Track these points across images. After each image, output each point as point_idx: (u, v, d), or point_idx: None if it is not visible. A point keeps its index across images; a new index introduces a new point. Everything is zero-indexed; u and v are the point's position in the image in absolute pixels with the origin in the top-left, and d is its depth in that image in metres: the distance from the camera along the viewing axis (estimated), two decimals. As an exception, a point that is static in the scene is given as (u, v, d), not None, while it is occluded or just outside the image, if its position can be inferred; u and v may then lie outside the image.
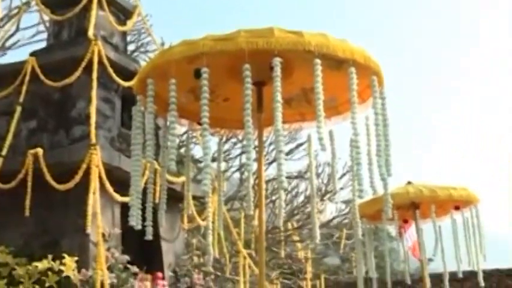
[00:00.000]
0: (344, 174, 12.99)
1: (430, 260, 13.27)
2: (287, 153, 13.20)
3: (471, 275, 9.79)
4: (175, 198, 6.24)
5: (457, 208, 7.57)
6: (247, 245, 10.78)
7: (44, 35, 10.50)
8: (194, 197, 7.50)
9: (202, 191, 3.57)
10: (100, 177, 6.39)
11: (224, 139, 11.90)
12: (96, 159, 6.37)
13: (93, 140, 6.60)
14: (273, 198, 12.29)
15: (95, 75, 7.05)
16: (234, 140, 13.19)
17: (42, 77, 7.35)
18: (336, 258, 18.05)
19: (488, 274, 10.65)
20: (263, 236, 3.81)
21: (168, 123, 3.39)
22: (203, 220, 7.71)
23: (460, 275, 8.22)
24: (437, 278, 10.15)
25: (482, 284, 7.88)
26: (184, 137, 10.23)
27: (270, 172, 12.60)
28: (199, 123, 3.33)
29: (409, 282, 8.28)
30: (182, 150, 10.07)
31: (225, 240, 9.66)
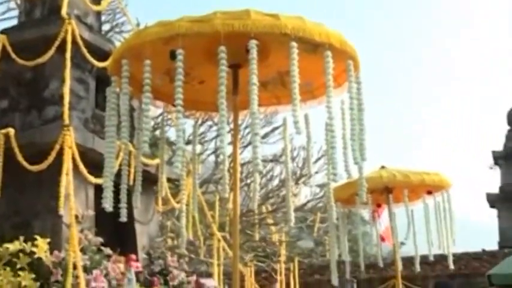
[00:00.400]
0: (319, 159, 13.07)
1: (402, 243, 13.48)
2: (262, 137, 13.21)
3: (441, 258, 9.99)
4: (149, 180, 6.21)
5: (429, 193, 7.67)
6: (221, 228, 10.80)
7: (15, 12, 10.28)
8: (169, 180, 7.47)
9: (176, 173, 3.55)
10: (73, 159, 6.32)
11: (199, 122, 11.85)
12: (70, 140, 6.29)
13: (66, 121, 6.51)
14: (248, 181, 12.31)
15: (68, 55, 6.93)
16: (209, 123, 13.14)
17: (13, 55, 7.21)
18: (309, 242, 18.21)
19: (458, 257, 10.87)
20: (237, 218, 3.81)
21: (142, 104, 3.36)
22: (178, 203, 7.69)
23: (431, 258, 8.37)
24: (408, 261, 10.32)
25: (452, 266, 8.04)
26: (160, 119, 10.16)
27: (245, 155, 12.62)
28: (174, 105, 3.31)
29: (381, 265, 8.41)
30: (157, 132, 10.00)
31: (200, 223, 9.66)
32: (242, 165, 12.71)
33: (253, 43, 3.20)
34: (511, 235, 12.50)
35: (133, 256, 6.21)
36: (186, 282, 6.24)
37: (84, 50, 7.24)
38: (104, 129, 3.86)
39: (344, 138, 3.44)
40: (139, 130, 3.58)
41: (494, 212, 13.25)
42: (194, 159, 4.54)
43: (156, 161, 6.58)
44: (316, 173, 13.16)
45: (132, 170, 4.09)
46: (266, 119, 13.12)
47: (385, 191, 7.54)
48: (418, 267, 8.36)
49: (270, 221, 12.77)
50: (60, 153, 6.26)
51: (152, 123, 11.89)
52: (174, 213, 10.22)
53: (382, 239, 8.55)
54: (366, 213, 9.94)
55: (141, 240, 7.42)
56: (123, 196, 3.60)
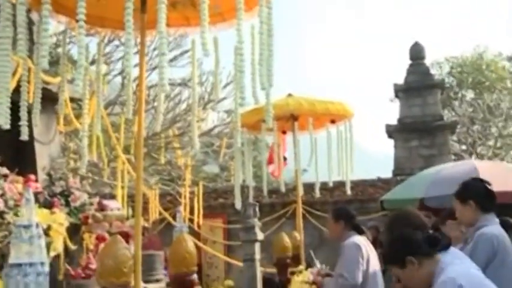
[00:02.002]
0: (227, 84, 13.07)
1: (305, 170, 13.92)
2: (171, 60, 12.97)
3: (340, 185, 10.44)
4: (51, 99, 5.95)
5: (332, 122, 7.92)
6: (126, 151, 10.67)
7: None
8: (72, 99, 7.21)
9: (79, 92, 3.41)
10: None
11: (106, 41, 11.40)
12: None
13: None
14: (155, 104, 12.14)
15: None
16: (116, 42, 12.69)
17: None
18: (215, 166, 18.45)
19: (355, 184, 11.40)
20: (141, 141, 3.76)
21: (41, 17, 3.15)
22: (81, 123, 7.47)
23: (331, 185, 8.75)
24: (309, 187, 10.73)
25: (349, 192, 8.47)
26: (62, 36, 9.65)
27: (152, 78, 12.37)
28: (77, 21, 3.13)
29: (283, 190, 8.69)
30: (60, 49, 9.53)
31: (104, 145, 9.48)
32: (149, 87, 12.48)
33: (162, -42, 3.06)
34: (404, 164, 13.23)
35: (32, 176, 6.01)
36: (88, 203, 6.16)
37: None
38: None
39: (253, 64, 3.43)
40: (38, 44, 3.38)
41: (391, 142, 13.92)
42: (98, 79, 4.38)
43: (58, 79, 6.30)
44: (224, 98, 13.20)
45: (32, 88, 3.89)
46: (175, 42, 12.86)
47: (290, 119, 7.69)
48: (318, 193, 8.74)
49: (176, 144, 12.75)
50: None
51: (55, 39, 11.33)
52: (78, 134, 9.94)
53: (270, 162, 8.76)
54: (271, 139, 10.13)
55: (42, 161, 7.19)
56: (23, 114, 3.43)
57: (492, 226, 3.66)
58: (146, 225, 8.33)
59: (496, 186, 8.66)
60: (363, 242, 4.94)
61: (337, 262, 4.89)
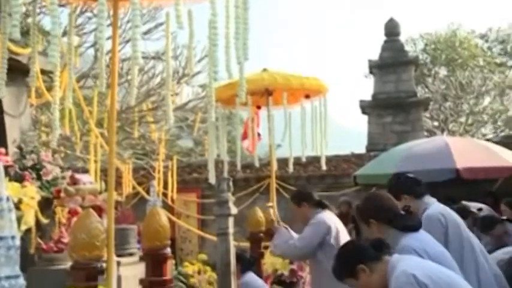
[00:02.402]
0: (202, 58, 12.95)
1: (279, 145, 13.97)
2: (145, 33, 12.78)
3: (314, 160, 10.52)
4: (21, 71, 5.84)
5: (307, 97, 7.92)
6: (99, 124, 10.56)
7: None
8: (43, 71, 7.08)
9: (51, 64, 3.34)
10: None
11: (77, 12, 11.17)
12: None
13: None
14: (128, 77, 12.00)
15: None
16: (88, 14, 12.45)
17: None
18: (189, 141, 18.39)
19: (329, 159, 11.50)
20: (114, 115, 3.72)
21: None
22: (52, 96, 7.35)
23: (304, 160, 8.80)
24: (283, 162, 10.80)
25: (324, 167, 8.53)
26: (32, 5, 9.43)
27: (126, 51, 12.19)
28: (48, -10, 3.05)
29: (257, 165, 8.71)
30: (30, 20, 9.31)
31: (77, 119, 9.36)
32: (123, 61, 12.31)
33: None
34: (377, 140, 13.36)
35: (2, 150, 5.92)
36: (60, 177, 6.08)
37: None
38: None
39: (227, 37, 3.39)
40: (5, 14, 3.29)
41: (365, 118, 14.03)
42: (70, 51, 4.30)
43: (28, 50, 6.17)
44: (199, 72, 13.10)
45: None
46: (149, 14, 12.66)
47: (265, 93, 7.67)
48: (291, 168, 8.78)
49: (150, 119, 12.65)
50: None
51: (24, 9, 11.06)
52: (49, 107, 9.79)
53: (244, 137, 8.77)
54: (245, 114, 10.11)
55: (12, 134, 7.08)
56: (-9, 86, 3.36)
57: (432, 206, 3.77)
58: (119, 199, 8.30)
59: (466, 163, 8.82)
60: (329, 217, 5.00)
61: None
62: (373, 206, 3.27)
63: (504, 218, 6.66)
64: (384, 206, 3.22)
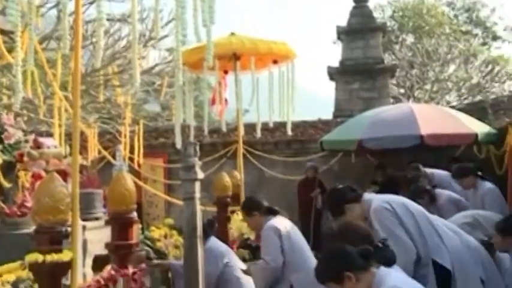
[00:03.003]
0: (169, 22, 12.72)
1: (246, 110, 13.93)
2: (110, -6, 12.46)
3: (281, 125, 10.52)
4: (-20, 32, 5.67)
5: (275, 62, 7.90)
6: (63, 87, 10.33)
7: None
8: (3, 32, 6.86)
9: (11, 23, 3.23)
10: None
11: (40, -29, 10.80)
12: None
13: None
14: (93, 40, 11.72)
15: None
16: (51, -27, 12.04)
17: None
18: (156, 105, 18.21)
19: (296, 125, 11.54)
20: (79, 78, 3.64)
21: None
22: (13, 58, 7.15)
23: (271, 125, 8.82)
24: (250, 127, 10.79)
25: (290, 132, 8.57)
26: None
27: (90, 12, 11.89)
28: None
29: (224, 130, 8.70)
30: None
31: (40, 82, 9.14)
32: (87, 22, 12.02)
33: None
34: (344, 106, 13.44)
35: (-38, 113, 5.77)
36: (23, 141, 5.97)
37: None
38: None
39: (194, 0, 3.33)
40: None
41: (333, 84, 14.07)
42: (31, 10, 4.16)
43: (-12, 10, 5.97)
44: (166, 36, 12.88)
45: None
46: (115, -25, 12.34)
47: (233, 58, 7.62)
48: (259, 133, 8.81)
49: (116, 82, 12.44)
50: None
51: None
52: (11, 69, 9.54)
53: (213, 103, 8.75)
54: (213, 79, 10.03)
55: (-28, 97, 6.90)
56: None
57: (374, 200, 3.85)
58: (85, 163, 8.21)
59: (431, 129, 8.95)
60: (280, 222, 5.05)
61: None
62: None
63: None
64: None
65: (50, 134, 8.65)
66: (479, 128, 8.88)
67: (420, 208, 3.90)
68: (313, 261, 4.64)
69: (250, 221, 5.27)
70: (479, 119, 9.45)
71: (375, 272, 2.77)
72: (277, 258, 4.82)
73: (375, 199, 3.70)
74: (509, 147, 8.14)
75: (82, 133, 9.88)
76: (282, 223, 5.05)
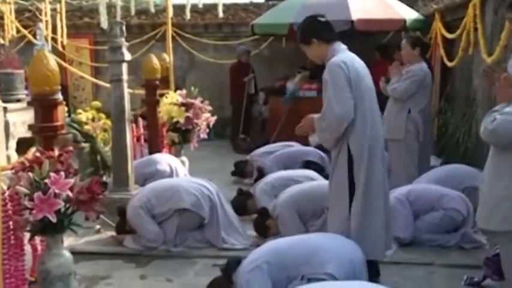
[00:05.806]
0: None
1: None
2: None
3: (211, 7, 10.24)
4: None
5: None
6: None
7: None
8: None
9: None
10: None
11: None
12: None
13: None
14: None
15: None
16: None
17: None
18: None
19: (227, 7, 11.23)
20: None
21: None
22: None
23: (201, 6, 8.55)
24: (180, 9, 10.42)
25: (221, 15, 8.36)
26: None
27: None
28: None
29: (153, 10, 8.39)
30: None
31: None
32: None
33: None
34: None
35: None
36: None
37: None
38: None
39: None
40: None
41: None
42: None
43: None
44: None
45: None
46: None
47: None
48: (188, 15, 8.54)
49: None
50: None
51: None
52: None
53: None
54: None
55: None
56: None
57: (339, 54, 3.74)
58: (2, 42, 7.74)
59: (361, 14, 8.95)
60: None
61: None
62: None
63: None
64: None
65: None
66: (408, 14, 8.96)
67: (371, 84, 3.81)
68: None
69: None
70: (409, 5, 9.50)
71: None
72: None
73: (339, 55, 3.71)
74: (435, 34, 8.30)
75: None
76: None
